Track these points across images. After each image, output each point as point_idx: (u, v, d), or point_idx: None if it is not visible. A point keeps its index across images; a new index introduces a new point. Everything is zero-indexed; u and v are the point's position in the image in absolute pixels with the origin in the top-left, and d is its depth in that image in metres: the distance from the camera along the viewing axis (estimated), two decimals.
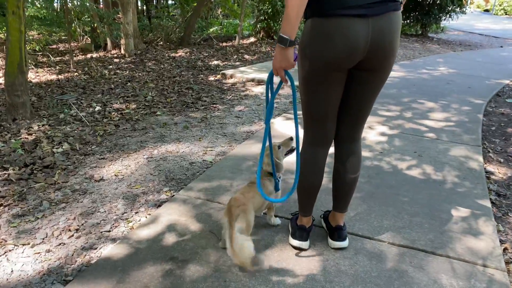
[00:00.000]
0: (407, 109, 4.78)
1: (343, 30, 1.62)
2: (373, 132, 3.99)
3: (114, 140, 3.78)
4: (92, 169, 3.15)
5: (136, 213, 2.51)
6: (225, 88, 5.84)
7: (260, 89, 5.78)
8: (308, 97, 1.89)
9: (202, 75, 6.75)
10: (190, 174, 3.04)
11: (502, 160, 3.59)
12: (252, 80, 6.17)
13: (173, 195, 2.68)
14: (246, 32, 12.77)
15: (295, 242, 2.12)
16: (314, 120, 1.92)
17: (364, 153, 3.43)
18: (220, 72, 6.61)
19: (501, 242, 2.34)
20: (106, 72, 7.08)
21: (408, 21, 11.95)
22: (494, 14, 24.56)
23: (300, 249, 2.13)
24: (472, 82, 6.37)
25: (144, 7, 13.91)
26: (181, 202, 2.54)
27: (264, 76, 6.32)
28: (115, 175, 3.03)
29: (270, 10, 10.54)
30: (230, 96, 5.38)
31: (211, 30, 11.36)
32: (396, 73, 6.94)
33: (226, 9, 12.37)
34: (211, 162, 3.26)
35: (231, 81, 6.28)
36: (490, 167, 3.41)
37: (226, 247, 1.90)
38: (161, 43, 10.49)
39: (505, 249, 2.29)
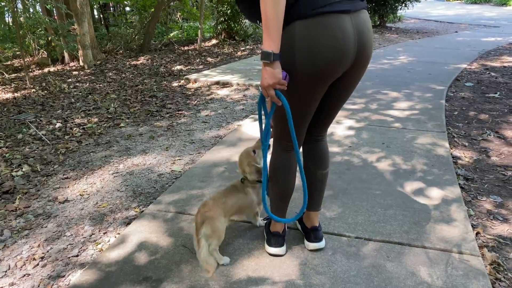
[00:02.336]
0: (372, 101, 4.83)
1: (330, 30, 1.48)
2: (341, 126, 4.00)
3: (77, 157, 3.63)
4: (56, 190, 3.00)
5: (104, 233, 2.40)
6: (189, 93, 5.74)
7: (225, 92, 5.72)
8: (294, 113, 1.66)
9: (165, 82, 6.62)
10: (159, 186, 2.95)
11: (467, 143, 3.66)
12: (217, 83, 6.09)
13: (142, 211, 2.58)
14: (207, 34, 12.67)
15: (272, 250, 2.07)
16: (294, 125, 1.69)
17: (333, 149, 3.43)
18: (184, 77, 6.50)
19: (473, 226, 2.37)
20: (65, 86, 6.84)
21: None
22: (446, 0, 25.37)
23: (278, 256, 2.09)
24: (432, 69, 6.52)
25: (101, 16, 13.56)
26: (151, 217, 2.45)
27: (229, 78, 6.26)
28: (80, 194, 2.90)
29: (229, 11, 10.48)
30: (196, 101, 5.29)
31: (171, 34, 11.19)
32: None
33: (184, 12, 12.21)
34: (180, 172, 3.18)
35: (195, 85, 6.18)
36: (456, 152, 3.47)
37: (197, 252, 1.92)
38: (121, 51, 10.25)
39: (477, 233, 2.32)
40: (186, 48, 10.66)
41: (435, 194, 2.67)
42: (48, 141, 4.04)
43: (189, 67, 8.01)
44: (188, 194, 2.71)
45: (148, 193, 2.85)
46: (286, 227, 2.16)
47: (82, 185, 3.06)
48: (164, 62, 8.73)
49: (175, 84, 6.40)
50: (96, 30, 12.59)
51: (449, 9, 19.28)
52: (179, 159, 3.43)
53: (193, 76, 6.44)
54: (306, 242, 2.13)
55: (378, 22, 12.56)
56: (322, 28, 1.48)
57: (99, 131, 4.31)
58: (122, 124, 4.49)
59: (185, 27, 13.74)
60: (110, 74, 7.87)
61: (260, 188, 2.10)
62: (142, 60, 9.19)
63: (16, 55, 11.12)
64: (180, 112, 4.85)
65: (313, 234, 2.10)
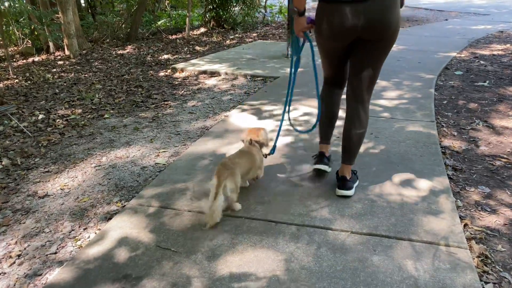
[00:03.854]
0: None
1: (335, 13, 2.13)
2: None
3: (59, 150, 3.53)
4: (36, 184, 2.91)
5: (84, 229, 2.33)
6: (176, 83, 5.63)
7: (213, 81, 5.62)
8: (321, 58, 2.54)
9: (151, 71, 6.50)
10: (142, 180, 2.87)
11: (455, 133, 3.63)
12: (205, 72, 5.99)
13: (124, 205, 2.51)
14: (196, 22, 12.47)
15: (317, 166, 2.63)
16: (326, 72, 2.59)
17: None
18: (171, 67, 6.38)
19: (461, 218, 2.34)
20: (49, 76, 6.68)
21: None
22: None
23: (322, 172, 2.66)
24: (421, 57, 6.47)
25: (88, 4, 13.26)
26: (133, 212, 2.38)
27: (217, 67, 6.16)
28: (61, 189, 2.82)
29: None
30: (182, 91, 5.19)
31: (159, 23, 10.99)
32: None
33: (172, 0, 11.99)
34: (164, 164, 3.10)
35: (182, 75, 6.07)
36: (445, 142, 3.44)
37: (209, 203, 2.19)
38: (108, 40, 10.05)
39: (465, 225, 2.29)
40: (174, 36, 10.48)
41: (423, 185, 2.63)
42: (29, 134, 3.93)
43: (176, 56, 7.88)
44: (172, 187, 2.64)
45: (131, 187, 2.78)
46: (329, 154, 2.73)
47: (63, 179, 2.97)
48: (151, 51, 8.58)
49: (161, 73, 6.28)
50: (82, 18, 12.32)
51: None
52: (164, 151, 3.35)
53: (180, 66, 6.32)
54: (336, 189, 2.52)
55: None
56: (327, 11, 2.18)
57: (82, 122, 4.20)
58: (106, 115, 4.39)
59: (174, 15, 13.51)
60: (96, 63, 7.71)
61: (261, 153, 2.62)
62: (129, 49, 9.02)
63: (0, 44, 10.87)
64: (166, 102, 4.75)
65: (341, 182, 2.49)
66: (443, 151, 3.24)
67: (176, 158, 3.18)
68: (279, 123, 3.80)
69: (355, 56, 2.31)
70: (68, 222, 2.40)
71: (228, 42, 9.18)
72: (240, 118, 3.94)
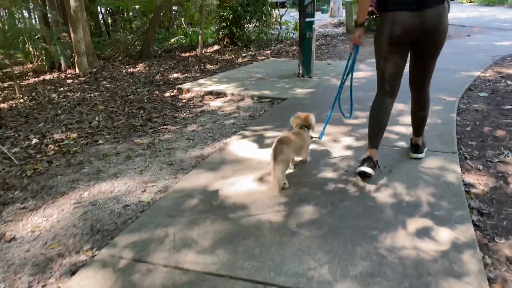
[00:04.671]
0: None
1: (396, 19, 2.55)
2: (338, 146, 3.57)
3: (43, 181, 3.26)
4: (7, 224, 2.63)
5: (43, 286, 2.01)
6: (180, 105, 5.36)
7: (218, 103, 5.32)
8: (377, 63, 2.85)
9: (157, 91, 6.26)
10: (121, 222, 2.56)
11: (481, 167, 3.21)
12: (211, 93, 5.71)
13: (94, 255, 2.19)
14: (211, 39, 12.32)
15: (362, 168, 2.80)
16: (381, 78, 2.90)
17: (327, 174, 3.02)
18: (176, 87, 6.13)
19: (490, 281, 1.93)
20: (55, 96, 6.53)
21: (374, 16, 11.66)
22: (459, 3, 24.74)
23: (367, 174, 2.80)
24: (442, 77, 6.02)
25: (104, 21, 13.30)
26: (101, 266, 2.06)
27: (224, 87, 5.88)
28: (31, 231, 2.53)
29: (231, 16, 10.13)
30: (185, 114, 4.91)
31: (172, 40, 10.86)
32: (362, 73, 6.58)
33: (187, 17, 11.89)
34: (148, 203, 2.78)
35: (187, 95, 5.81)
36: (469, 178, 3.02)
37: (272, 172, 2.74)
38: (120, 58, 9.95)
39: None
40: (187, 54, 10.33)
41: (444, 235, 2.23)
42: (16, 162, 3.69)
43: (186, 74, 7.66)
44: (150, 234, 2.31)
45: (107, 231, 2.46)
46: (377, 160, 2.90)
47: (37, 217, 2.68)
48: (162, 70, 8.40)
49: (167, 94, 6.04)
50: (100, 35, 12.34)
51: (461, 11, 18.68)
52: (152, 186, 3.04)
53: (186, 86, 6.07)
54: (410, 153, 3.23)
55: None
56: (388, 18, 2.59)
57: (74, 149, 3.95)
58: (100, 141, 4.12)
59: (190, 32, 13.42)
60: (105, 82, 7.56)
61: (308, 135, 3.10)
62: (140, 67, 8.88)
63: (18, 61, 10.89)
64: (165, 127, 4.47)
65: (414, 148, 3.19)
66: (467, 189, 2.83)
67: (163, 194, 2.86)
68: None
69: (415, 55, 2.80)
70: (27, 277, 2.09)
71: (240, 60, 8.93)
72: (240, 147, 3.61)
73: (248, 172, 3.09)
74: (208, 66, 8.38)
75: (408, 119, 4.10)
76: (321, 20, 15.48)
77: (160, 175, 3.23)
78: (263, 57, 9.00)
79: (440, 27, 2.58)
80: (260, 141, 3.72)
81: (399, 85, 2.93)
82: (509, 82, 5.82)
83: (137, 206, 2.74)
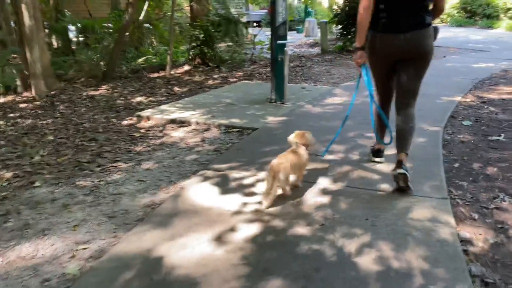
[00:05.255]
0: (354, 149, 3.94)
1: (386, 39, 2.92)
2: (314, 189, 3.08)
3: None
4: None
5: None
6: (137, 135, 4.79)
7: (181, 133, 4.79)
8: (373, 75, 3.18)
9: (115, 119, 5.68)
10: None
11: (476, 215, 2.77)
12: (173, 121, 5.17)
13: None
14: (183, 59, 11.80)
15: (377, 159, 3.50)
16: (377, 87, 3.27)
17: (300, 229, 2.53)
18: (136, 114, 5.56)
19: None
20: (1, 123, 5.85)
21: (350, 36, 11.46)
22: None
23: (380, 163, 3.45)
24: (422, 103, 5.61)
25: (80, 39, 12.60)
26: None
27: (189, 114, 5.36)
28: None
29: (202, 35, 9.68)
30: (141, 147, 4.35)
31: (139, 60, 10.30)
32: (339, 98, 6.18)
33: (156, 36, 11.38)
34: (75, 275, 2.20)
35: (147, 124, 5.25)
36: (464, 231, 2.58)
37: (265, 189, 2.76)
38: (83, 80, 9.31)
39: None
40: (156, 75, 9.79)
41: None
42: None
43: (151, 98, 7.10)
44: None
45: None
46: (384, 148, 3.48)
47: None
48: (125, 93, 7.82)
49: (125, 122, 5.47)
50: (68, 54, 11.65)
51: None
52: (84, 249, 2.46)
53: (146, 113, 5.51)
54: (395, 167, 2.97)
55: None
56: (379, 38, 2.94)
57: (4, 193, 3.33)
58: (37, 183, 3.52)
59: (161, 51, 12.87)
60: (61, 107, 6.91)
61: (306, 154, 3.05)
62: (102, 89, 8.28)
63: None
64: (116, 164, 3.89)
65: (398, 164, 2.93)
66: (465, 248, 2.38)
67: (94, 263, 2.29)
68: (246, 198, 2.95)
69: (399, 73, 3.03)
70: None
71: (210, 82, 8.45)
72: (199, 192, 3.08)
73: (204, 228, 2.55)
74: (176, 89, 7.85)
75: (390, 153, 3.66)
76: (294, 42, 15.23)
77: (97, 232, 2.65)
78: (235, 79, 8.54)
79: (422, 49, 2.89)
80: (224, 184, 3.20)
81: (392, 92, 3.23)
82: (491, 109, 5.51)
83: (59, 282, 2.15)
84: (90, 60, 10.15)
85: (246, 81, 8.10)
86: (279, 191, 2.84)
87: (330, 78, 8.13)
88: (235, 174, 3.39)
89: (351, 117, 4.14)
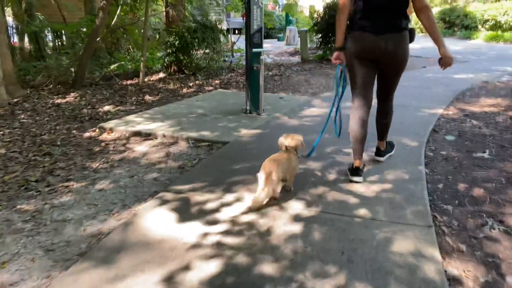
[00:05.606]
0: (330, 166, 3.63)
1: (360, 41, 3.06)
2: (284, 216, 2.75)
3: None
4: None
5: None
6: (97, 150, 4.39)
7: (144, 147, 4.40)
8: (350, 76, 3.24)
9: (78, 130, 5.26)
10: None
11: (464, 247, 2.48)
12: (138, 133, 4.78)
13: None
14: (159, 66, 11.40)
15: (355, 178, 3.23)
16: (353, 90, 3.25)
17: (266, 267, 2.17)
18: (98, 126, 5.15)
19: None
20: None
21: (330, 45, 11.26)
22: None
23: (358, 182, 3.21)
24: (403, 116, 5.41)
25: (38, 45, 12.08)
26: None
27: (156, 126, 4.98)
28: None
29: (178, 41, 9.31)
30: (98, 164, 3.95)
31: (111, 67, 9.85)
32: (317, 109, 5.89)
33: (130, 42, 10.95)
34: None
35: (110, 136, 4.85)
36: (452, 267, 2.28)
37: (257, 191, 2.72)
38: (51, 87, 8.82)
39: None
40: (129, 82, 9.38)
41: None
42: None
43: (119, 107, 6.69)
44: None
45: None
46: (363, 165, 3.31)
47: None
48: (94, 101, 7.38)
49: (87, 134, 5.05)
50: (39, 59, 11.12)
51: (415, 42, 18.77)
52: None
53: (110, 124, 5.11)
54: (374, 155, 3.67)
55: None
56: (357, 37, 3.06)
57: None
58: None
59: (138, 57, 12.42)
60: (23, 116, 6.44)
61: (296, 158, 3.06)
62: (70, 97, 7.81)
63: None
64: (67, 184, 3.49)
65: (377, 151, 3.65)
66: None
67: None
68: (207, 227, 2.59)
69: (379, 72, 3.19)
70: None
71: (185, 90, 8.08)
72: (153, 219, 2.71)
73: (154, 267, 2.18)
74: (147, 98, 7.45)
75: (369, 172, 3.36)
76: (270, 50, 15.00)
77: (29, 271, 2.25)
78: (211, 88, 8.19)
79: (398, 51, 3.00)
80: (183, 210, 2.83)
81: (371, 95, 3.27)
82: (474, 122, 5.30)
83: None
84: (59, 66, 9.68)
85: (222, 90, 7.76)
86: (267, 198, 2.77)
87: (309, 88, 7.86)
88: (197, 196, 3.03)
89: (329, 130, 3.86)
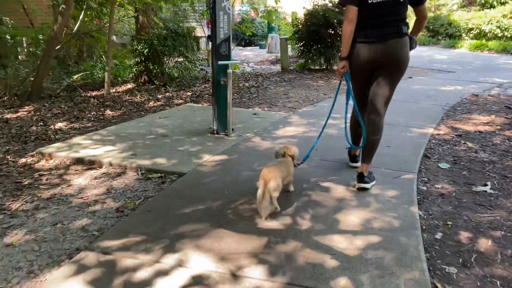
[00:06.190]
0: (303, 209, 2.96)
1: (365, 48, 3.13)
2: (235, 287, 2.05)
3: None
4: None
5: None
6: (26, 182, 3.63)
7: (85, 179, 3.66)
8: (352, 83, 3.35)
9: (13, 155, 4.48)
10: None
11: None
12: (81, 160, 4.04)
13: None
14: (131, 75, 10.61)
15: (353, 164, 3.71)
16: (356, 95, 3.40)
17: None
18: (36, 151, 4.39)
19: None
20: None
21: (311, 54, 10.65)
22: None
23: (356, 167, 3.50)
24: (391, 136, 4.79)
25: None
26: None
27: (103, 151, 4.26)
28: None
29: (147, 50, 8.58)
30: (21, 203, 3.20)
31: (74, 77, 9.06)
32: (293, 128, 5.23)
33: (99, 49, 10.17)
34: None
35: (48, 164, 4.09)
36: None
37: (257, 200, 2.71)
38: (5, 99, 7.98)
39: None
40: (94, 93, 8.61)
41: None
42: None
43: (73, 125, 5.93)
44: None
45: None
46: (359, 155, 3.55)
47: None
48: (48, 116, 6.60)
49: (23, 160, 4.28)
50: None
51: None
52: None
53: (50, 149, 4.36)
54: (355, 182, 3.29)
55: (325, 66, 11.08)
56: (360, 47, 3.15)
57: None
58: None
59: (113, 66, 11.61)
60: None
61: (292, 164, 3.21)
62: (23, 111, 7.01)
63: None
64: None
65: (359, 178, 3.26)
66: None
67: None
68: None
69: (376, 79, 3.22)
70: None
71: (152, 104, 7.35)
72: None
73: None
74: (108, 113, 6.70)
75: (349, 219, 2.66)
76: (238, 62, 14.37)
77: None
78: (180, 101, 7.48)
79: (399, 54, 3.08)
80: (104, 283, 2.10)
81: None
82: (469, 144, 4.70)
83: None
84: (16, 76, 8.83)
85: (192, 104, 7.05)
86: (270, 206, 2.74)
87: (288, 101, 7.20)
88: (128, 259, 2.31)
89: (307, 151, 3.19)
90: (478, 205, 3.19)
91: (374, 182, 3.34)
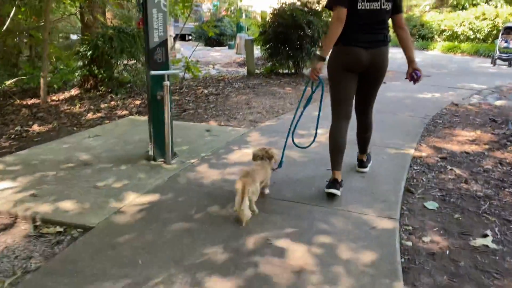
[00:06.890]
0: (258, 252, 2.05)
1: (352, 53, 3.09)
2: None
3: None
4: None
5: None
6: None
7: None
8: (333, 89, 3.26)
9: None
10: None
11: None
12: None
13: None
14: (76, 80, 9.47)
15: (333, 191, 3.09)
16: (337, 103, 3.28)
17: None
18: None
19: None
20: None
21: (279, 57, 9.79)
22: None
23: (334, 195, 3.08)
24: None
25: None
26: None
27: (0, 186, 3.23)
28: None
29: (90, 52, 7.52)
30: None
31: (7, 83, 7.90)
32: (251, 150, 4.33)
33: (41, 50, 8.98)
34: None
35: None
36: None
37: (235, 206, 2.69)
38: None
39: None
40: (30, 101, 7.50)
41: None
42: None
43: None
44: None
45: None
46: (341, 180, 3.19)
47: None
48: None
49: None
50: None
51: None
52: None
53: None
54: (357, 167, 3.71)
55: (294, 69, 10.24)
56: (349, 51, 3.10)
57: None
58: None
59: (61, 67, 10.39)
60: None
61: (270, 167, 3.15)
62: None
63: None
64: None
65: (359, 163, 3.69)
66: None
67: None
68: None
69: (361, 84, 3.25)
70: None
71: (90, 115, 6.31)
72: None
73: None
74: (35, 128, 5.65)
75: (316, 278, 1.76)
76: (215, 62, 13.44)
77: None
78: (125, 112, 6.47)
79: (384, 63, 3.18)
80: None
81: (351, 108, 3.35)
82: (457, 171, 3.94)
83: None
84: None
85: (136, 117, 6.06)
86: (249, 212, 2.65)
87: (249, 113, 6.30)
88: None
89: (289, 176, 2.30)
90: (481, 271, 2.39)
91: (370, 163, 3.76)
